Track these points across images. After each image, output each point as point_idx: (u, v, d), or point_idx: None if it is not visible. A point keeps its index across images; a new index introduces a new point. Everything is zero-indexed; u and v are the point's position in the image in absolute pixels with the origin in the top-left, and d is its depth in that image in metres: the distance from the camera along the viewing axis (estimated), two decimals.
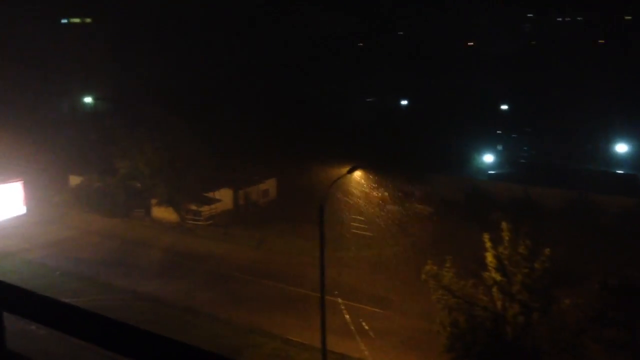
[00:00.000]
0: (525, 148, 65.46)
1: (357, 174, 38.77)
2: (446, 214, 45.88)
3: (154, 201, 49.51)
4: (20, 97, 67.08)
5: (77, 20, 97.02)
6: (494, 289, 23.42)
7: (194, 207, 49.38)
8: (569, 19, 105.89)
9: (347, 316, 32.79)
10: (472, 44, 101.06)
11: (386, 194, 44.43)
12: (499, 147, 63.44)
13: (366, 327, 31.60)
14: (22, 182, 41.90)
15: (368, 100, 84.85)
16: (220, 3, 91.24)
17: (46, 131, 60.02)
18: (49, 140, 57.83)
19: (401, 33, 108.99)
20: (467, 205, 46.90)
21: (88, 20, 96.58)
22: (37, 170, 50.44)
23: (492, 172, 56.49)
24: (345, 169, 29.94)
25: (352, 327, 31.71)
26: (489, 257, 23.41)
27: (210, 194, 50.79)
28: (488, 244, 23.19)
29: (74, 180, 53.64)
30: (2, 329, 4.58)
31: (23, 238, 43.48)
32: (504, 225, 23.01)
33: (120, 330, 3.88)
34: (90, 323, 4.00)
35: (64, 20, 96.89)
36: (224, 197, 51.43)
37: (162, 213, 49.45)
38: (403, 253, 39.37)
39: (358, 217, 44.99)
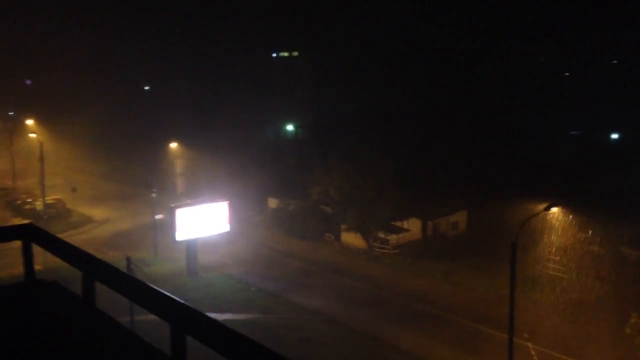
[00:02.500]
0: None
1: (555, 212, 36.29)
2: None
3: (343, 227, 50.77)
4: (233, 123, 73.43)
5: (285, 54, 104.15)
6: None
7: (382, 235, 49.72)
8: None
9: None
10: None
11: (588, 234, 40.84)
12: None
13: None
14: (228, 202, 45.34)
15: (572, 133, 79.44)
16: (418, 35, 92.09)
17: (252, 155, 64.69)
18: (253, 164, 62.23)
19: (615, 61, 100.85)
20: None
21: (295, 53, 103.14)
22: (241, 191, 54.43)
23: None
24: (542, 205, 28.19)
25: None
26: None
27: (399, 223, 50.81)
28: None
29: (272, 202, 57.04)
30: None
31: (225, 254, 47.06)
32: None
33: None
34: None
35: (274, 54, 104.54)
36: (413, 227, 51.14)
37: (351, 239, 50.48)
38: (605, 300, 35.77)
39: (554, 257, 41.95)
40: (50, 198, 54.28)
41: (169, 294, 4.92)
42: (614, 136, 78.35)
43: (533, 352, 31.23)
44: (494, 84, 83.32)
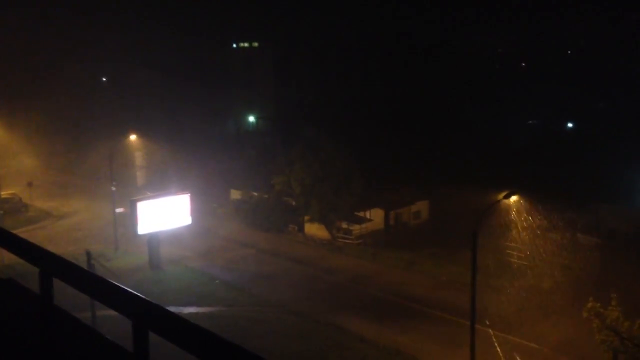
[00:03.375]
0: None
1: (514, 200, 36.93)
2: (613, 246, 42.18)
3: (306, 218, 50.79)
4: (193, 114, 72.58)
5: (245, 44, 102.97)
6: None
7: (345, 226, 49.92)
8: None
9: (498, 349, 31.07)
10: None
11: (545, 221, 41.76)
12: None
13: None
14: (189, 194, 44.85)
15: (529, 122, 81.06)
16: (377, 26, 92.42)
17: (213, 146, 64.09)
18: (214, 155, 61.64)
19: (570, 52, 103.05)
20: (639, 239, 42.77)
21: (255, 44, 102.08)
22: (203, 183, 53.86)
23: None
24: (501, 194, 28.65)
25: None
26: None
27: (362, 214, 51.08)
28: None
29: (235, 194, 56.66)
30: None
31: (187, 247, 46.57)
32: None
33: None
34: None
35: (234, 45, 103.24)
36: (375, 217, 51.49)
37: (314, 230, 50.55)
38: (563, 285, 36.69)
39: (514, 244, 42.78)
40: (5, 192, 52.79)
41: (128, 289, 4.79)
42: (569, 125, 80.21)
43: (494, 338, 31.80)
44: (453, 74, 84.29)
